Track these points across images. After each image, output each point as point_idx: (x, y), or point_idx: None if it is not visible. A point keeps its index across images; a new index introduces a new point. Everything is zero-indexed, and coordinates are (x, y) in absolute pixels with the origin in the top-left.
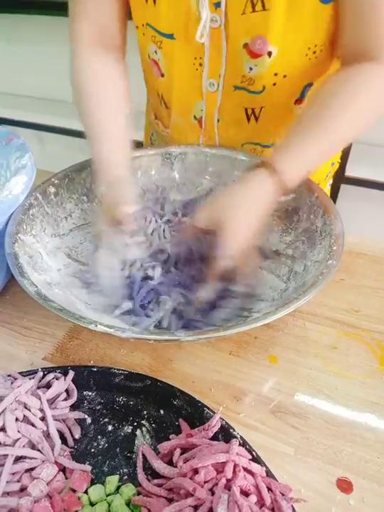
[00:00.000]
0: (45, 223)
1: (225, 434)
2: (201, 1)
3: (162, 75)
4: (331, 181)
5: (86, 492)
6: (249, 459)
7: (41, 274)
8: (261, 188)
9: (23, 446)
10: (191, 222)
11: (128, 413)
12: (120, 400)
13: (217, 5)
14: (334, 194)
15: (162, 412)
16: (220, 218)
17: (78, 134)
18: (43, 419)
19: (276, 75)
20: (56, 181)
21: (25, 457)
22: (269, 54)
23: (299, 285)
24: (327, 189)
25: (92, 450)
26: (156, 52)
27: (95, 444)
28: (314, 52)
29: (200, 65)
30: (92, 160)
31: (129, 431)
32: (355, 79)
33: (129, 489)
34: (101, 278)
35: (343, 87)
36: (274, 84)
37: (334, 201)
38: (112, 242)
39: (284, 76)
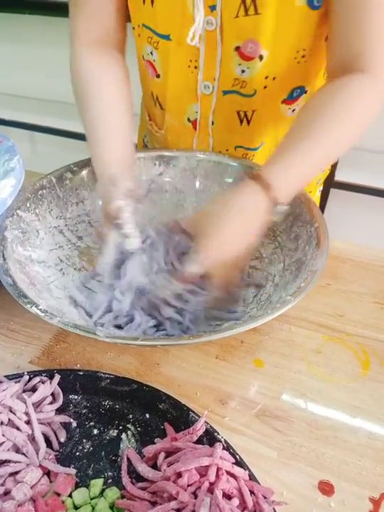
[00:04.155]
0: (54, 205)
1: (210, 437)
2: (196, 3)
3: (157, 76)
4: (321, 187)
5: (70, 495)
6: (233, 463)
7: (29, 250)
8: (252, 203)
9: (8, 449)
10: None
11: (114, 417)
12: (106, 403)
13: (213, 8)
14: (323, 199)
15: (148, 415)
16: (202, 224)
17: (70, 135)
18: (28, 422)
19: (267, 77)
20: (75, 168)
21: (9, 461)
22: (261, 57)
23: (260, 314)
24: (317, 196)
25: (77, 454)
26: (151, 53)
27: (80, 447)
28: (303, 56)
29: (195, 67)
30: (92, 162)
31: (115, 435)
32: (346, 90)
33: (113, 492)
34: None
35: (334, 99)
36: (265, 86)
37: (323, 206)
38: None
39: (274, 78)
